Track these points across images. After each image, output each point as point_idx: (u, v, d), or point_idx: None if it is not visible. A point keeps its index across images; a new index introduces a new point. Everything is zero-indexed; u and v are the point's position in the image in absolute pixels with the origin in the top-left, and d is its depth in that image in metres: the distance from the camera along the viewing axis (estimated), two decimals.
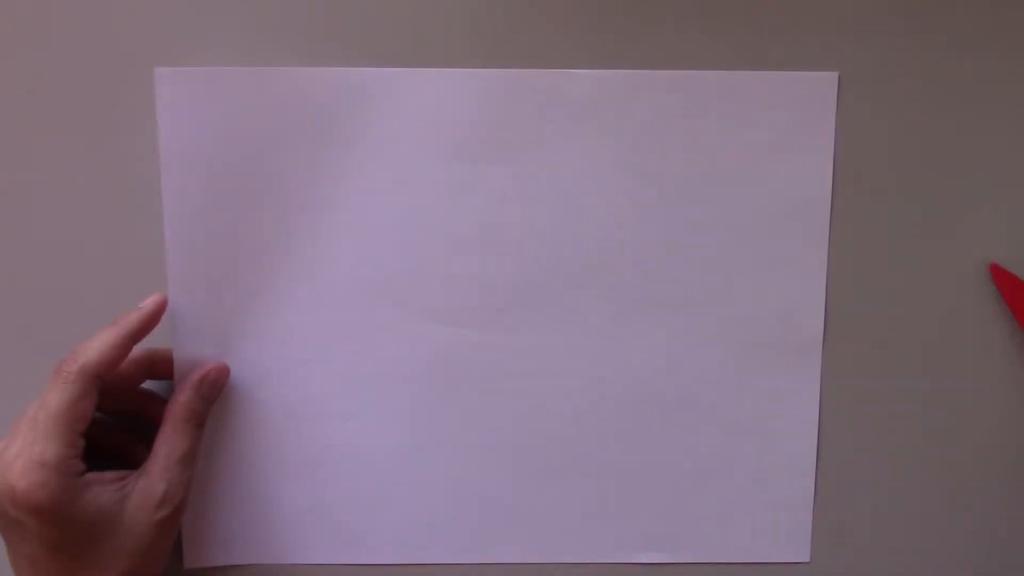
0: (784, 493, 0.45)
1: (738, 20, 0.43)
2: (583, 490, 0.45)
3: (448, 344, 0.44)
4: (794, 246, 0.44)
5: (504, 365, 0.44)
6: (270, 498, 0.44)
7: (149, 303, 0.41)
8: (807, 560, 0.45)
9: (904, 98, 0.43)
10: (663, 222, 0.43)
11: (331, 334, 0.44)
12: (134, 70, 0.42)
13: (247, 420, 0.44)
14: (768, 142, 0.43)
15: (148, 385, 0.44)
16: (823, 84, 0.43)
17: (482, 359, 0.44)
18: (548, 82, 0.43)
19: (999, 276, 0.42)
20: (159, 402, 0.43)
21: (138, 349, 0.41)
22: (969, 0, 0.43)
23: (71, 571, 0.38)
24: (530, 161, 0.43)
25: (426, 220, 0.43)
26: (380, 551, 0.45)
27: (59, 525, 0.37)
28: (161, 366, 0.43)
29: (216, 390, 0.43)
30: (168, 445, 0.40)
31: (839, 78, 0.43)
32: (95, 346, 0.39)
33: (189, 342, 0.43)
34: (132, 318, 0.40)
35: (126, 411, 0.43)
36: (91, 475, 0.38)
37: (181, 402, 0.41)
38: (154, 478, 0.39)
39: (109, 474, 0.39)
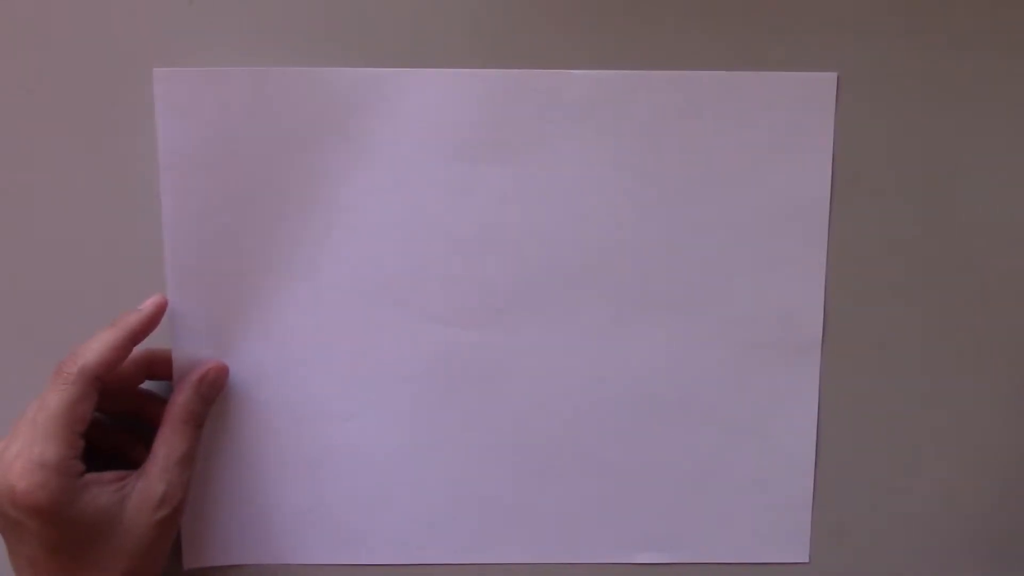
0: (783, 493, 0.45)
1: (738, 20, 0.43)
2: (583, 490, 0.45)
3: (448, 344, 0.44)
4: (794, 246, 0.44)
5: (504, 365, 0.44)
6: (270, 498, 0.44)
7: (149, 304, 0.41)
8: (806, 560, 0.45)
9: (904, 98, 0.43)
10: (663, 222, 0.43)
11: (331, 334, 0.44)
12: (134, 70, 0.42)
13: (247, 420, 0.44)
14: (768, 142, 0.43)
15: (147, 386, 0.44)
16: (823, 84, 0.43)
17: (482, 359, 0.44)
18: (548, 82, 0.43)
19: None
20: (158, 403, 0.43)
21: (137, 350, 0.41)
22: (969, 0, 0.43)
23: (70, 571, 0.38)
24: (530, 161, 0.43)
25: (426, 220, 0.43)
26: (380, 551, 0.45)
27: (58, 526, 0.37)
28: (160, 366, 0.43)
29: (215, 390, 0.43)
30: (167, 446, 0.40)
31: (839, 78, 0.43)
32: (95, 347, 0.39)
33: (188, 342, 0.43)
34: (132, 319, 0.40)
35: (125, 412, 0.43)
36: (90, 476, 0.38)
37: (180, 402, 0.41)
38: (153, 479, 0.39)
39: (108, 475, 0.39)
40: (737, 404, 0.44)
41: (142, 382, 0.43)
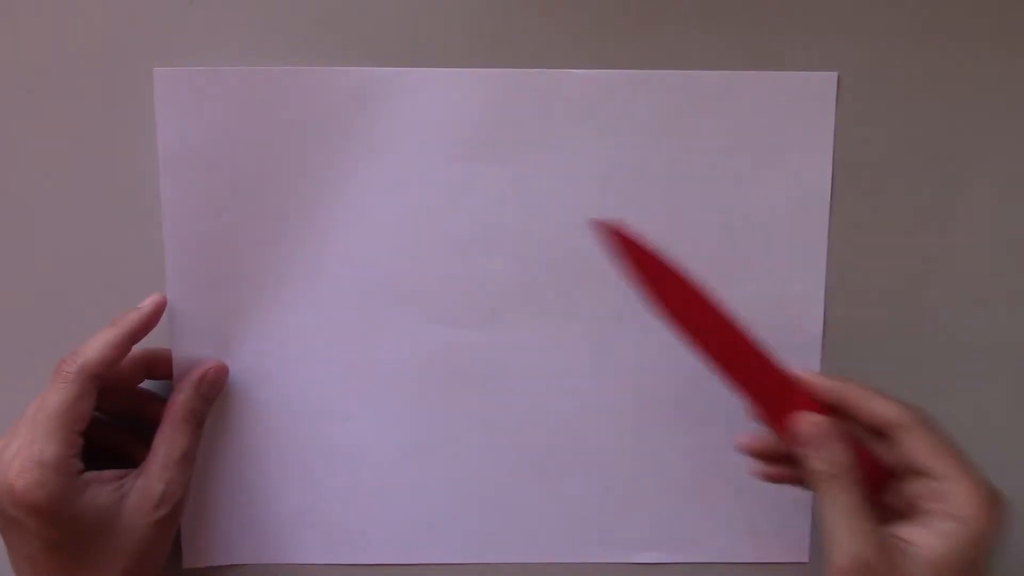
0: (784, 493, 0.44)
1: (738, 20, 0.43)
2: (583, 490, 0.45)
3: (448, 344, 0.44)
4: (794, 246, 0.44)
5: (504, 365, 0.44)
6: (270, 498, 0.44)
7: (148, 303, 0.41)
8: (806, 560, 0.45)
9: (904, 98, 0.43)
10: (663, 222, 0.43)
11: (331, 334, 0.44)
12: (134, 70, 0.42)
13: (247, 420, 0.44)
14: (768, 142, 0.43)
15: (147, 385, 0.44)
16: (823, 84, 0.43)
17: (482, 359, 0.44)
18: (548, 82, 0.43)
19: (601, 228, 0.40)
20: (158, 402, 0.43)
21: (137, 349, 0.41)
22: (969, 0, 0.43)
23: (70, 570, 0.38)
24: (530, 161, 0.43)
25: (426, 220, 0.43)
26: (380, 551, 0.45)
27: (58, 524, 0.37)
28: (160, 366, 0.43)
29: (215, 389, 0.43)
30: (167, 444, 0.40)
31: (839, 78, 0.43)
32: (94, 346, 0.39)
33: (188, 342, 0.43)
34: (131, 318, 0.40)
35: (125, 411, 0.43)
36: (90, 474, 0.38)
37: (180, 401, 0.41)
38: (153, 477, 0.39)
39: (108, 473, 0.39)
40: (737, 403, 0.44)
41: (141, 381, 0.43)
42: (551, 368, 0.44)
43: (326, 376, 0.44)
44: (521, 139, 0.43)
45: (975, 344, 0.45)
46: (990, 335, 0.45)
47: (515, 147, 0.43)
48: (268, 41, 0.43)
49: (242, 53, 0.43)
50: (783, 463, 0.41)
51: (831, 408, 0.39)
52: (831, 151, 0.43)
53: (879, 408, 0.38)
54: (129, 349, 0.40)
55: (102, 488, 0.38)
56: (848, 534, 0.36)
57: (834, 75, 0.43)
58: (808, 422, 0.38)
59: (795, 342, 0.44)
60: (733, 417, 0.44)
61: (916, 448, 0.37)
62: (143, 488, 0.39)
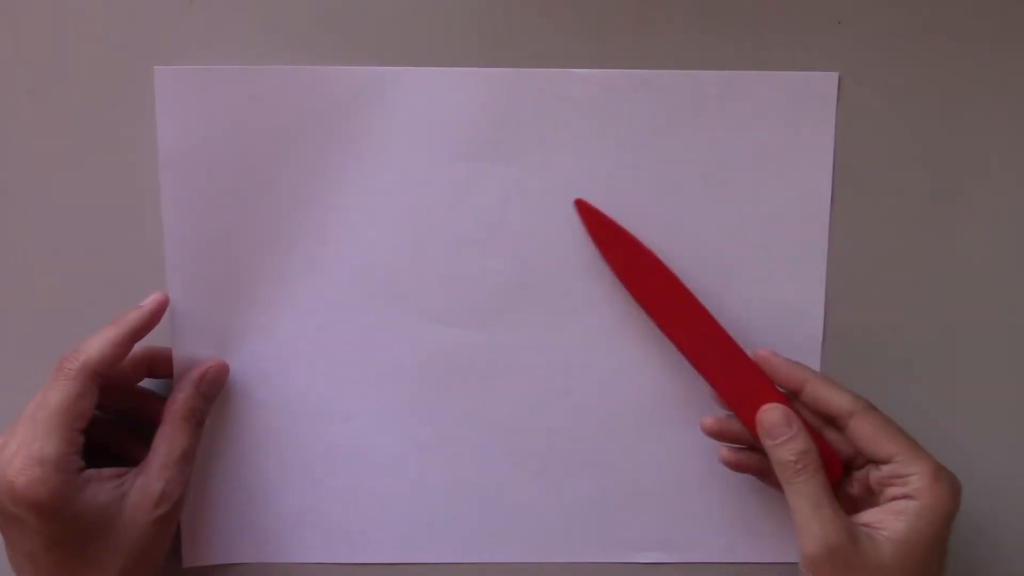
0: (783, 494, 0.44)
1: (739, 20, 0.43)
2: (583, 490, 0.45)
3: (448, 344, 0.44)
4: (794, 246, 0.44)
5: (504, 365, 0.44)
6: (270, 497, 0.44)
7: (150, 302, 0.41)
8: None
9: (904, 98, 0.43)
10: (663, 222, 0.43)
11: (331, 334, 0.44)
12: (134, 70, 0.42)
13: (247, 420, 0.44)
14: (769, 142, 0.43)
15: (148, 383, 0.44)
16: (823, 84, 0.43)
17: (482, 359, 0.44)
18: (549, 81, 0.43)
19: (584, 210, 0.42)
20: (158, 401, 0.43)
21: (137, 347, 0.41)
22: (969, 0, 0.43)
23: (69, 568, 0.38)
24: (531, 161, 0.43)
25: (426, 220, 0.43)
26: (380, 550, 0.45)
27: (58, 522, 0.37)
28: (160, 364, 0.43)
29: (215, 388, 0.43)
30: (167, 443, 0.40)
31: (840, 78, 0.43)
32: (96, 344, 0.39)
33: (188, 341, 0.43)
34: (133, 316, 0.40)
35: (125, 409, 0.43)
36: (90, 472, 0.38)
37: (180, 400, 0.41)
38: (152, 476, 0.39)
39: (108, 471, 0.39)
40: None
41: (142, 380, 0.43)
42: (551, 368, 0.44)
43: (326, 376, 0.44)
44: (522, 139, 0.43)
45: (975, 344, 0.45)
46: (990, 335, 0.45)
47: (516, 147, 0.43)
48: (268, 41, 0.43)
49: (242, 53, 0.43)
50: (748, 450, 0.42)
51: (792, 397, 0.41)
52: (832, 151, 0.43)
53: (835, 397, 0.40)
54: (131, 348, 0.40)
55: (102, 486, 0.38)
56: (817, 522, 0.37)
57: (835, 75, 0.43)
58: (774, 413, 0.40)
59: (795, 342, 0.44)
60: None
61: (871, 434, 0.39)
62: (143, 486, 0.39)
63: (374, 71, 0.42)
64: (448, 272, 0.43)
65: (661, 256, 0.42)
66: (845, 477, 0.41)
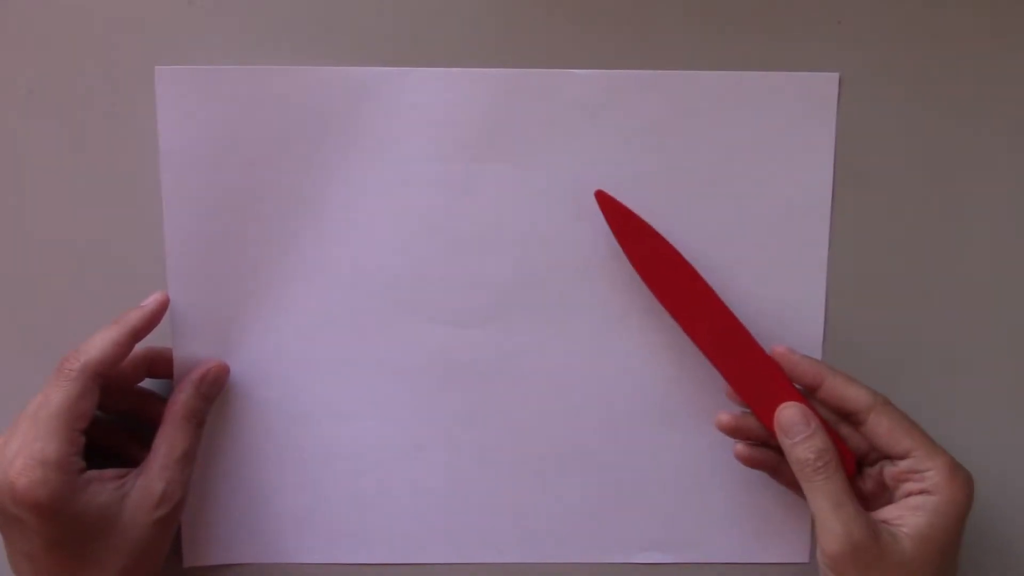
0: (784, 493, 0.44)
1: (739, 20, 0.43)
2: (583, 490, 0.45)
3: (448, 344, 0.44)
4: (794, 246, 0.44)
5: (504, 365, 0.44)
6: (270, 498, 0.44)
7: (151, 302, 0.41)
8: (806, 560, 0.45)
9: (904, 98, 0.43)
10: (663, 222, 0.43)
11: (331, 334, 0.44)
12: (134, 70, 0.42)
13: (247, 420, 0.44)
14: (769, 142, 0.43)
15: (148, 384, 0.44)
16: (823, 84, 0.43)
17: (482, 359, 0.44)
18: (549, 82, 0.43)
19: (604, 201, 0.42)
20: (158, 401, 0.43)
21: (138, 347, 0.41)
22: (969, 0, 0.43)
23: (70, 568, 0.38)
24: (530, 161, 0.43)
25: (426, 220, 0.43)
26: (380, 551, 0.45)
27: (58, 522, 0.37)
28: (161, 365, 0.43)
29: (216, 388, 0.43)
30: (167, 443, 0.40)
31: (840, 78, 0.43)
32: (97, 344, 0.39)
33: (189, 341, 0.43)
34: (134, 316, 0.40)
35: (125, 410, 0.43)
36: (91, 473, 0.38)
37: (181, 400, 0.41)
38: (153, 476, 0.39)
39: (108, 472, 0.39)
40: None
41: (142, 380, 0.43)
42: (551, 368, 0.44)
43: (326, 376, 0.44)
44: (522, 139, 0.43)
45: (975, 344, 0.45)
46: (990, 335, 0.45)
47: (516, 147, 0.43)
48: (268, 41, 0.43)
49: (242, 53, 0.43)
50: (763, 446, 0.42)
51: (808, 393, 0.41)
52: (832, 151, 0.43)
53: (853, 392, 0.40)
54: (131, 348, 0.40)
55: (103, 487, 0.38)
56: (839, 521, 0.37)
57: (836, 75, 0.43)
58: (792, 411, 0.40)
59: (795, 342, 0.44)
60: None
61: (888, 429, 0.39)
62: (143, 487, 0.39)
63: (374, 71, 0.42)
64: (448, 272, 0.43)
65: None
66: (857, 473, 0.41)
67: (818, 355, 0.44)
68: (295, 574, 0.45)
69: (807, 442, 0.39)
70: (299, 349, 0.44)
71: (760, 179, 0.43)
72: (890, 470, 0.40)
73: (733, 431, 0.42)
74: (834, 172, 0.43)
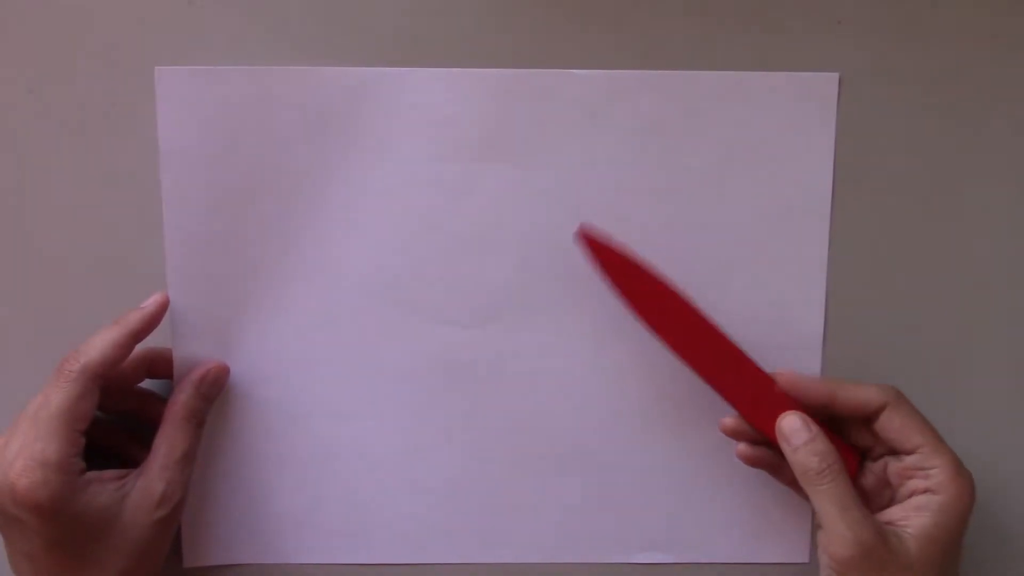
0: (784, 494, 0.44)
1: (739, 20, 0.43)
2: (583, 490, 0.45)
3: (448, 344, 0.44)
4: (794, 246, 0.44)
5: (504, 365, 0.44)
6: (270, 498, 0.44)
7: (151, 302, 0.41)
8: (806, 560, 0.45)
9: (904, 98, 0.43)
10: (663, 222, 0.43)
11: (331, 334, 0.44)
12: (134, 70, 0.42)
13: (247, 420, 0.44)
14: (769, 142, 0.43)
15: (148, 384, 0.44)
16: (823, 84, 0.43)
17: (482, 359, 0.44)
18: (549, 82, 0.43)
19: (588, 242, 0.41)
20: (158, 402, 0.43)
21: (138, 348, 0.41)
22: (969, 0, 0.43)
23: (70, 569, 0.38)
24: (530, 161, 0.43)
25: (426, 220, 0.43)
26: (380, 551, 0.45)
27: (59, 523, 0.37)
28: (161, 365, 0.43)
29: (216, 389, 0.43)
30: (167, 444, 0.40)
31: (840, 78, 0.43)
32: (97, 345, 0.39)
33: (189, 341, 0.43)
34: (134, 317, 0.40)
35: (125, 411, 0.43)
36: (91, 474, 0.38)
37: (181, 401, 0.41)
38: (153, 477, 0.39)
39: (108, 473, 0.39)
40: None
41: (142, 380, 0.43)
42: (551, 368, 0.44)
43: (326, 376, 0.44)
44: (521, 139, 0.43)
45: (975, 344, 0.45)
46: (990, 335, 0.45)
47: (515, 147, 0.43)
48: (268, 41, 0.43)
49: (242, 53, 0.43)
50: (765, 445, 0.42)
51: (822, 410, 0.41)
52: (832, 151, 0.43)
53: (864, 394, 0.40)
54: (132, 349, 0.40)
55: (103, 487, 0.38)
56: (846, 524, 0.37)
57: (836, 75, 0.43)
58: (792, 418, 0.40)
59: (795, 342, 0.44)
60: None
61: (900, 425, 0.39)
62: (144, 488, 0.39)
63: (374, 71, 0.42)
64: (448, 272, 0.43)
65: (660, 256, 0.42)
66: (859, 469, 0.41)
67: (818, 355, 0.44)
68: (295, 574, 0.45)
69: (808, 445, 0.39)
70: (299, 349, 0.44)
71: (760, 179, 0.43)
72: (895, 466, 0.40)
73: (736, 433, 0.42)
74: (834, 172, 0.43)
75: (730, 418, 0.42)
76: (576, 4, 0.43)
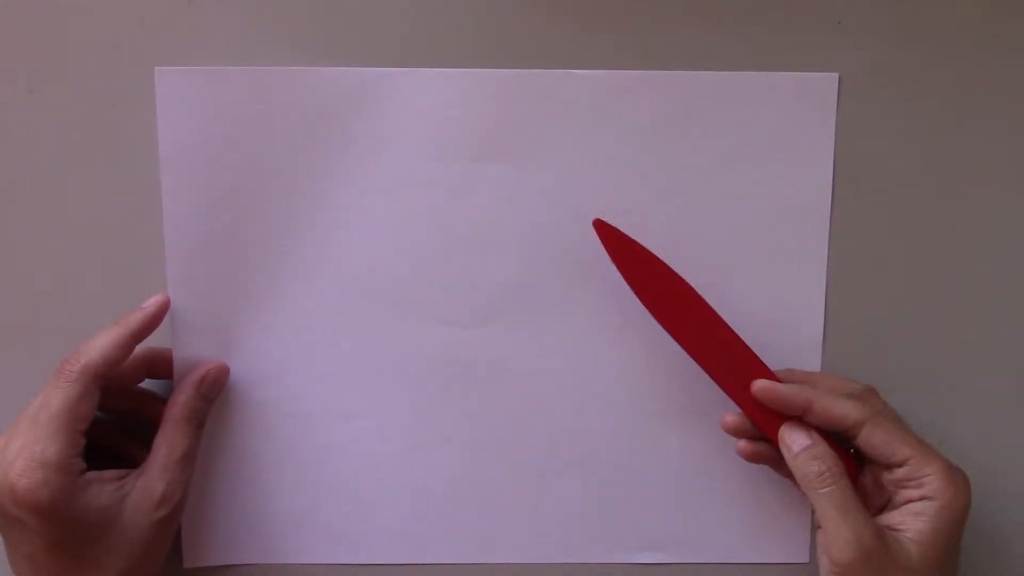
0: (784, 493, 0.44)
1: (739, 20, 0.43)
2: (583, 490, 0.45)
3: (448, 344, 0.44)
4: (794, 246, 0.44)
5: (504, 365, 0.44)
6: (270, 498, 0.44)
7: (151, 303, 0.41)
8: (806, 560, 0.45)
9: (904, 98, 0.43)
10: (663, 222, 0.43)
11: (331, 334, 0.44)
12: (134, 70, 0.42)
13: (247, 420, 0.44)
14: (769, 142, 0.43)
15: (148, 385, 0.44)
16: (823, 84, 0.43)
17: (482, 359, 0.44)
18: (549, 82, 0.43)
19: (602, 230, 0.41)
20: (158, 402, 0.43)
21: (138, 348, 0.41)
22: (969, 0, 0.43)
23: (70, 569, 0.38)
24: (531, 161, 0.43)
25: (426, 220, 0.43)
26: (380, 551, 0.45)
27: (59, 524, 0.37)
28: (161, 365, 0.43)
29: (216, 389, 0.43)
30: (167, 444, 0.40)
31: (840, 78, 0.43)
32: (98, 345, 0.39)
33: (189, 342, 0.43)
34: (134, 318, 0.40)
35: (125, 411, 0.43)
36: (91, 474, 0.38)
37: (181, 401, 0.41)
38: (153, 477, 0.39)
39: (108, 473, 0.39)
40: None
41: (142, 381, 0.43)
42: (551, 368, 0.44)
43: (326, 376, 0.44)
44: (522, 139, 0.43)
45: (975, 344, 0.45)
46: (990, 335, 0.45)
47: (515, 147, 0.43)
48: (268, 41, 0.43)
49: (242, 53, 0.43)
50: (764, 441, 0.42)
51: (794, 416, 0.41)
52: (832, 151, 0.43)
53: (840, 410, 0.39)
54: (132, 349, 0.40)
55: (103, 488, 0.38)
56: (849, 528, 0.37)
57: (834, 75, 0.43)
58: (792, 425, 0.40)
59: (795, 342, 0.44)
60: None
61: (882, 441, 0.39)
62: (144, 488, 0.39)
63: (374, 71, 0.42)
64: (448, 272, 0.43)
65: (661, 255, 0.42)
66: (859, 472, 0.41)
67: (818, 355, 0.44)
68: (295, 574, 0.45)
69: (810, 452, 0.39)
70: (299, 349, 0.44)
71: (760, 179, 0.43)
72: (888, 477, 0.40)
73: (737, 431, 0.42)
74: (834, 172, 0.43)
75: (732, 416, 0.42)
76: (576, 4, 0.43)
